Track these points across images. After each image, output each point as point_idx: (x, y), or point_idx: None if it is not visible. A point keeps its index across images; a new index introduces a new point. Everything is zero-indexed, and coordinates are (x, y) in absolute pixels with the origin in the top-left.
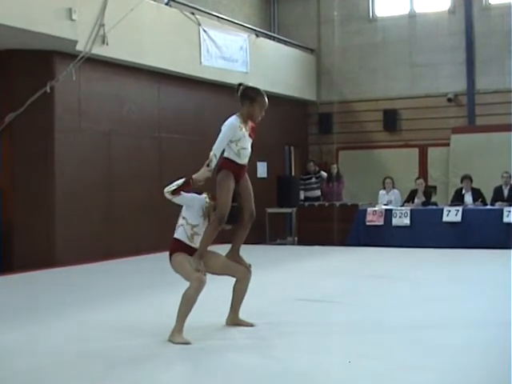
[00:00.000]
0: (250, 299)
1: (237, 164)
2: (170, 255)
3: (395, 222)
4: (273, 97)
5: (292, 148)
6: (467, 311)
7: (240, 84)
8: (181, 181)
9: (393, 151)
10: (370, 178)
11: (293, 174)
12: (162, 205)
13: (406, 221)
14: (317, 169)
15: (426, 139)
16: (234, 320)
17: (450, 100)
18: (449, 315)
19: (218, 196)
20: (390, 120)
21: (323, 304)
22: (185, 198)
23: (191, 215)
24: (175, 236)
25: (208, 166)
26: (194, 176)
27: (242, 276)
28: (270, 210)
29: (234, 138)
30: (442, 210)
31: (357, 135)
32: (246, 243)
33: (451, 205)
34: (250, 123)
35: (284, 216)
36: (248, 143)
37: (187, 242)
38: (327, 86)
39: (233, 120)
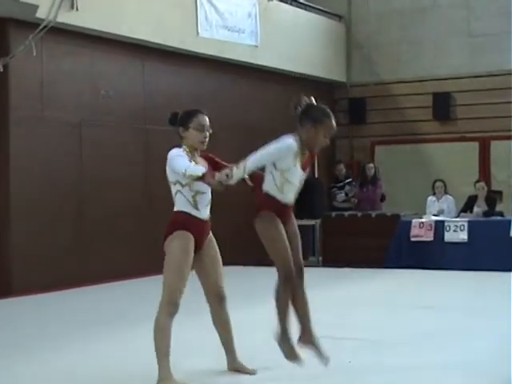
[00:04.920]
0: (261, 335)
1: (279, 203)
2: (166, 237)
3: (448, 237)
4: (289, 77)
5: None
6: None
7: (299, 100)
8: (200, 172)
9: (445, 146)
10: (416, 181)
11: (316, 175)
12: (150, 215)
13: (463, 236)
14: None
15: (488, 130)
16: (232, 364)
17: None
18: (497, 357)
19: (270, 254)
20: (442, 106)
21: (349, 342)
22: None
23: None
24: (175, 209)
25: (227, 176)
26: (210, 178)
27: (214, 303)
28: None
29: (282, 164)
30: (510, 222)
31: (398, 126)
32: (257, 265)
33: None
34: (307, 153)
35: (305, 230)
36: (297, 178)
37: (192, 211)
38: (360, 63)
39: (291, 140)
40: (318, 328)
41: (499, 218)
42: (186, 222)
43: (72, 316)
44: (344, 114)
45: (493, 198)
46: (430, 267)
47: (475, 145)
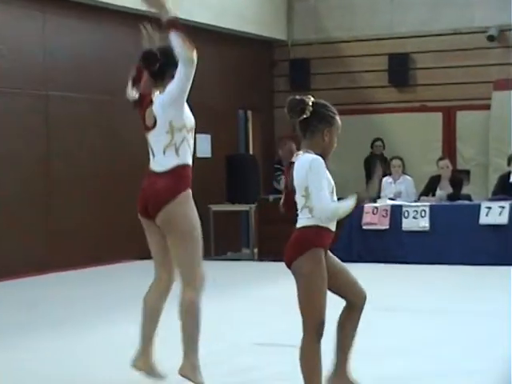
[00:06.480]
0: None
1: (330, 232)
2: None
3: (407, 224)
4: (220, 34)
5: (249, 113)
6: (486, 358)
7: (301, 99)
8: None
9: (403, 117)
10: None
11: (250, 151)
12: (51, 197)
13: (424, 223)
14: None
15: (453, 99)
16: (146, 363)
17: (491, 39)
18: (459, 363)
19: (303, 301)
20: (399, 70)
21: (292, 350)
22: None
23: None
24: (181, 162)
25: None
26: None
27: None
28: (215, 208)
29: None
30: (479, 206)
31: (347, 93)
32: None
33: (493, 199)
34: None
35: (238, 217)
36: None
37: (190, 162)
38: (303, 17)
39: (319, 159)
40: (253, 332)
41: (466, 202)
42: (189, 177)
43: None
44: (284, 79)
45: (459, 178)
46: (385, 260)
47: (438, 116)
